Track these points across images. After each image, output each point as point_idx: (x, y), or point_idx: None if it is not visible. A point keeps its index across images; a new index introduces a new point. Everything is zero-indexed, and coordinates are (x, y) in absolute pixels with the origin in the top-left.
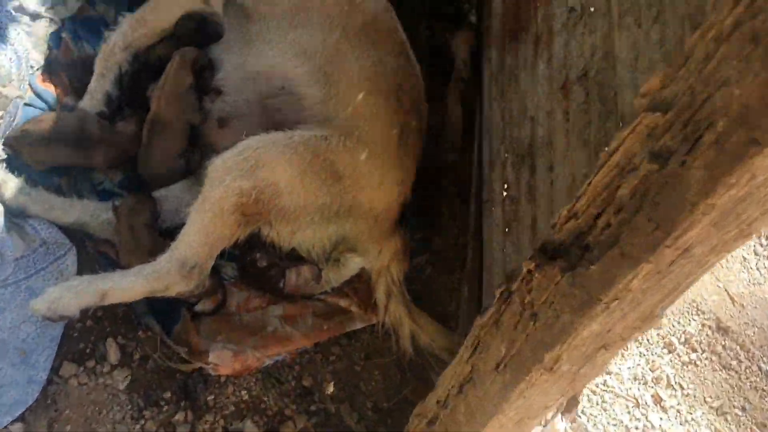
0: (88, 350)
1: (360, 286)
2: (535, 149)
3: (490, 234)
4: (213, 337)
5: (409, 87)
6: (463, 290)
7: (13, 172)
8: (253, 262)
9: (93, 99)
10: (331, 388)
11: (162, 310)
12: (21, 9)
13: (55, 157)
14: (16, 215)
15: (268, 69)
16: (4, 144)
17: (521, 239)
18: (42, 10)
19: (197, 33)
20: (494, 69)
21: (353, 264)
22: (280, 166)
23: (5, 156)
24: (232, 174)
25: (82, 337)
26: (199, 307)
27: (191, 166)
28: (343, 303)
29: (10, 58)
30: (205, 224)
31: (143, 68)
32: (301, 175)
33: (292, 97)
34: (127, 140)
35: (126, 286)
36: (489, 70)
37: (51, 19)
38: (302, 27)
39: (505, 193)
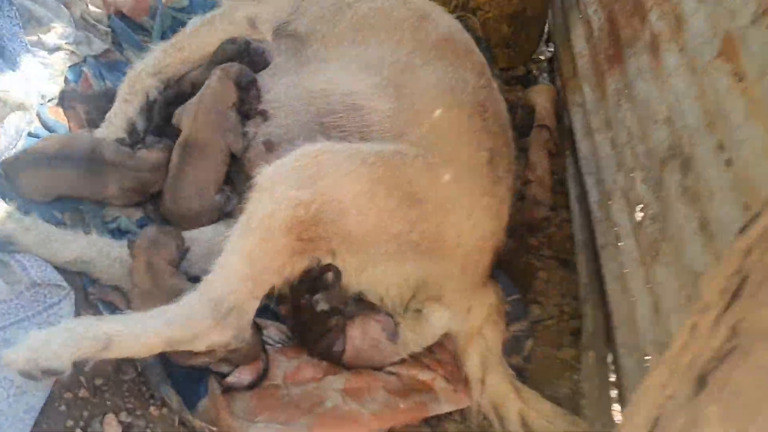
0: (77, 430)
1: (444, 356)
2: (683, 145)
3: (617, 281)
4: (251, 416)
5: (493, 109)
6: (586, 360)
7: (3, 198)
8: (309, 306)
9: (112, 125)
10: None
11: (183, 379)
12: (39, 44)
13: (59, 182)
14: (1, 248)
15: (326, 86)
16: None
17: (684, 254)
18: (62, 43)
19: (241, 58)
20: (589, 106)
21: (438, 319)
22: (345, 178)
23: None
24: (286, 183)
25: (71, 410)
26: (233, 379)
27: (229, 206)
28: (423, 377)
29: (20, 86)
30: (248, 250)
31: (176, 98)
32: (372, 193)
33: (356, 112)
34: (150, 169)
35: (140, 331)
36: (581, 111)
37: (72, 52)
38: (367, 43)
39: (641, 215)
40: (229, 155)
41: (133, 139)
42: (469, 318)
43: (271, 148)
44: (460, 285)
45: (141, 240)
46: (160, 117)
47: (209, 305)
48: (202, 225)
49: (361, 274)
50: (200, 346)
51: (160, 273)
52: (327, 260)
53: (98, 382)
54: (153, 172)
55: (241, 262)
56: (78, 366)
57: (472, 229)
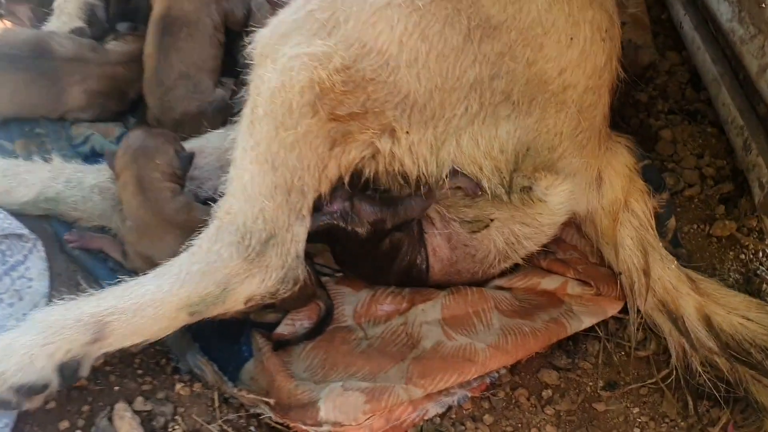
0: (78, 423)
1: (568, 252)
2: None
3: None
4: (321, 375)
5: None
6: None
7: None
8: (382, 219)
9: (63, 14)
10: None
11: (217, 340)
12: None
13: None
14: None
15: None
16: None
17: None
18: None
19: None
20: None
21: (557, 196)
22: (378, 13)
23: None
24: (292, 40)
25: (65, 407)
26: (286, 328)
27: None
28: (548, 285)
29: None
30: (264, 148)
31: None
32: (423, 27)
33: None
34: (122, 59)
35: (143, 302)
36: None
37: None
38: None
39: None
40: (224, 32)
41: (96, 30)
42: (604, 188)
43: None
44: (578, 143)
45: (124, 149)
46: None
47: (233, 240)
48: (204, 132)
49: (439, 153)
50: (236, 304)
51: (158, 193)
52: (385, 146)
53: (97, 362)
54: (127, 65)
55: (260, 168)
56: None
57: (579, 59)
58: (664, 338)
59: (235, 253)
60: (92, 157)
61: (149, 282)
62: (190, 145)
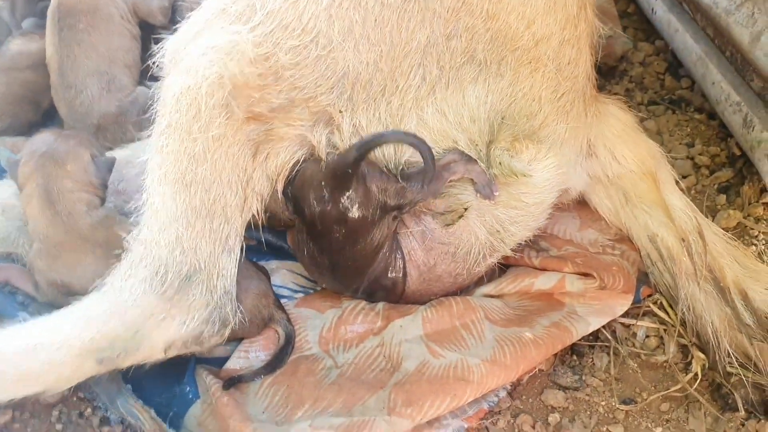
0: None
1: (568, 249)
2: None
3: None
4: (285, 414)
5: None
6: None
7: None
8: (342, 215)
9: None
10: None
11: (154, 379)
12: None
13: None
14: None
15: None
16: None
17: None
18: None
19: None
20: None
21: (544, 169)
22: None
23: None
24: (202, 36)
25: None
26: (237, 362)
27: None
28: (543, 284)
29: None
30: (172, 165)
31: None
32: None
33: None
34: (31, 65)
35: (34, 350)
36: None
37: None
38: None
39: None
40: (137, 25)
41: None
42: (612, 153)
43: None
44: (562, 107)
45: (28, 155)
46: None
47: (147, 275)
48: (131, 138)
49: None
50: (153, 352)
51: (71, 206)
52: (320, 137)
53: (1, 419)
54: (37, 69)
55: (171, 189)
56: None
57: (546, 6)
58: (687, 339)
59: (149, 289)
60: None
61: (48, 321)
62: (115, 154)
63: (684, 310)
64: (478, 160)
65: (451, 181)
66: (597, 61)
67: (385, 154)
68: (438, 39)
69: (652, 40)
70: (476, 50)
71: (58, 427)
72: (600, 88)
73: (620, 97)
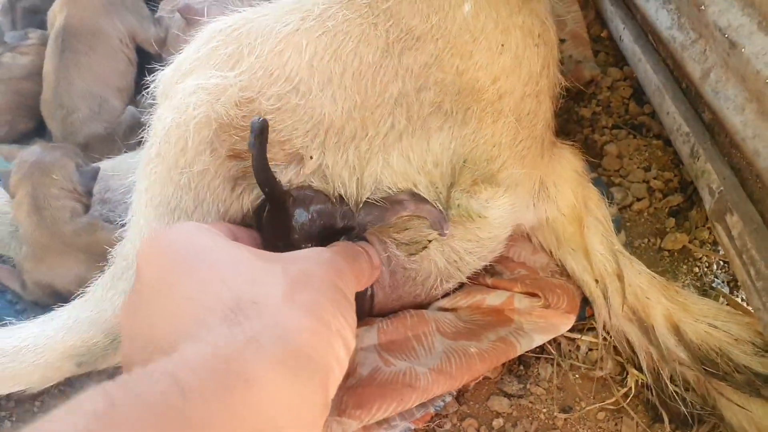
0: None
1: (509, 267)
2: None
3: (742, 107)
4: None
5: None
6: (723, 230)
7: None
8: (310, 226)
9: None
10: None
11: None
12: None
13: None
14: None
15: None
16: None
17: None
18: None
19: None
20: None
21: (498, 207)
22: (287, 38)
23: None
24: (191, 77)
25: None
26: None
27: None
28: (493, 301)
29: None
30: (157, 192)
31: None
32: (336, 46)
33: None
34: (25, 74)
35: (26, 345)
36: None
37: None
38: None
39: None
40: (134, 50)
41: None
42: (556, 195)
43: (191, 15)
44: (518, 153)
45: (19, 165)
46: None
47: (128, 287)
48: (118, 153)
49: (363, 173)
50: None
51: (55, 212)
52: (299, 174)
53: None
54: (31, 79)
55: (155, 212)
56: None
57: (512, 65)
58: (623, 358)
59: None
60: None
61: (34, 326)
62: (102, 165)
63: (618, 340)
64: (437, 202)
65: (401, 216)
66: (557, 108)
67: (347, 191)
68: (409, 91)
69: (621, 65)
70: (444, 101)
71: (39, 415)
72: (569, 111)
73: (574, 144)
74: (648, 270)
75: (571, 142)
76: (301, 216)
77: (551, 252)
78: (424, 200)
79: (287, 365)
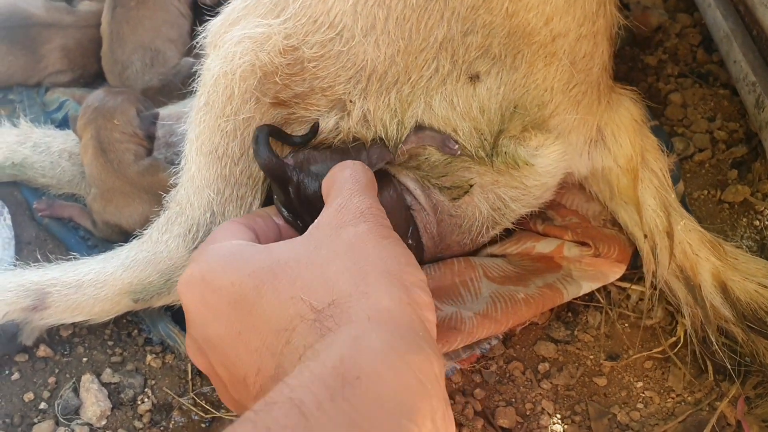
0: (41, 403)
1: (562, 214)
2: None
3: None
4: None
5: None
6: None
7: None
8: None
9: None
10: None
11: None
12: None
13: None
14: None
15: None
16: None
17: None
18: None
19: None
20: None
21: (548, 156)
22: None
23: None
24: (237, 25)
25: (29, 378)
26: None
27: None
28: (543, 248)
29: None
30: (207, 138)
31: None
32: None
33: None
34: (96, 23)
35: (86, 279)
36: None
37: None
38: None
39: None
40: (186, 2)
41: None
42: (613, 145)
43: None
44: (573, 98)
45: (84, 110)
46: None
47: (181, 232)
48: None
49: (404, 116)
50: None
51: (120, 155)
52: (330, 121)
53: (65, 333)
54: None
55: (205, 159)
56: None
57: (566, 5)
58: (673, 307)
59: (181, 244)
60: (66, 124)
61: (96, 262)
62: (167, 111)
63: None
64: (479, 149)
65: (409, 149)
66: (615, 50)
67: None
68: (455, 35)
69: (691, 11)
70: (492, 44)
71: (110, 343)
72: (633, 59)
73: (634, 89)
74: (699, 227)
75: (631, 88)
76: (311, 185)
77: (604, 203)
78: (421, 128)
79: (396, 350)
